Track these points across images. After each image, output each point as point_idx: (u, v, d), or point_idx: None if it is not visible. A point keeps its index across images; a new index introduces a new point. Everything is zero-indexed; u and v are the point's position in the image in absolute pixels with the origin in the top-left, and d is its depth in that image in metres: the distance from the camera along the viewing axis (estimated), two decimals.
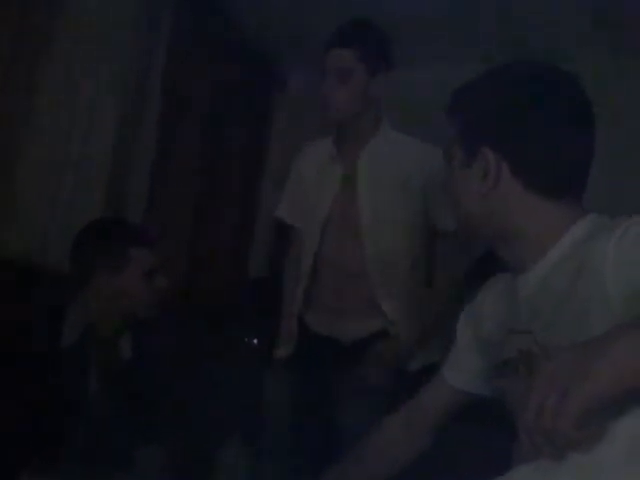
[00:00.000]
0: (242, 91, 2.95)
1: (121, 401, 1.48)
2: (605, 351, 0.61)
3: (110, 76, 2.10)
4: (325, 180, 1.81)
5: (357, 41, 1.70)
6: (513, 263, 0.99)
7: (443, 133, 1.04)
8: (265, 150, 3.14)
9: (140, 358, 1.57)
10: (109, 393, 1.48)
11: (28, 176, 1.89)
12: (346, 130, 1.80)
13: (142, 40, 2.25)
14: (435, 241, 1.79)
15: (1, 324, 1.43)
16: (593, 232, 0.88)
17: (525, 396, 0.64)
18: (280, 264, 2.00)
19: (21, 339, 1.40)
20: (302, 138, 2.95)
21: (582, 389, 0.60)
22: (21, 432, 1.28)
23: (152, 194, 2.33)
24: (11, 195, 1.86)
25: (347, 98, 1.71)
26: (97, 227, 1.60)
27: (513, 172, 0.94)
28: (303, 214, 1.86)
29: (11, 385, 1.31)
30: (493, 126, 0.96)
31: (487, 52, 2.40)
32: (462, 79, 1.03)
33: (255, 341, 2.58)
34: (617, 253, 0.79)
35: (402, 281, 1.75)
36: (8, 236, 1.85)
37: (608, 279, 0.79)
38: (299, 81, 3.13)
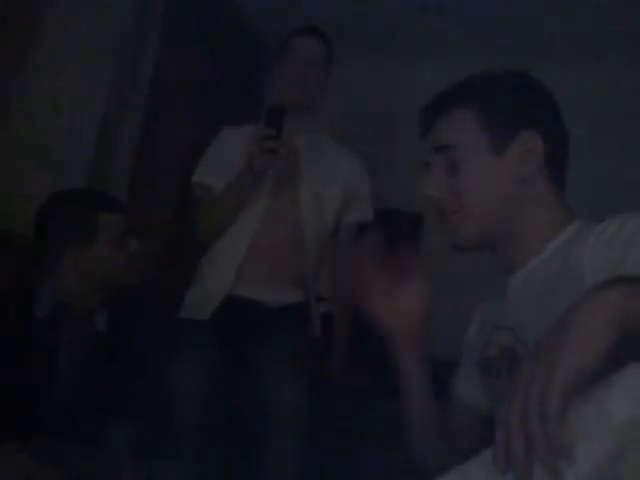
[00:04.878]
0: (233, 72, 2.95)
1: (91, 377, 1.46)
2: (570, 326, 0.60)
3: (99, 55, 2.11)
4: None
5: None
6: (506, 264, 0.98)
7: None
8: None
9: (114, 332, 1.54)
10: (80, 369, 1.46)
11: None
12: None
13: (133, 24, 2.25)
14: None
15: None
16: (577, 235, 0.90)
17: (506, 401, 0.60)
18: None
19: None
20: None
21: (562, 366, 0.57)
22: None
23: (135, 179, 2.31)
24: None
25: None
26: (62, 198, 1.52)
27: (548, 158, 0.93)
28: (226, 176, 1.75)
29: None
30: (538, 110, 0.96)
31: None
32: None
33: None
34: (594, 250, 0.81)
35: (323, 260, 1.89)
36: None
37: (586, 273, 0.81)
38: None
